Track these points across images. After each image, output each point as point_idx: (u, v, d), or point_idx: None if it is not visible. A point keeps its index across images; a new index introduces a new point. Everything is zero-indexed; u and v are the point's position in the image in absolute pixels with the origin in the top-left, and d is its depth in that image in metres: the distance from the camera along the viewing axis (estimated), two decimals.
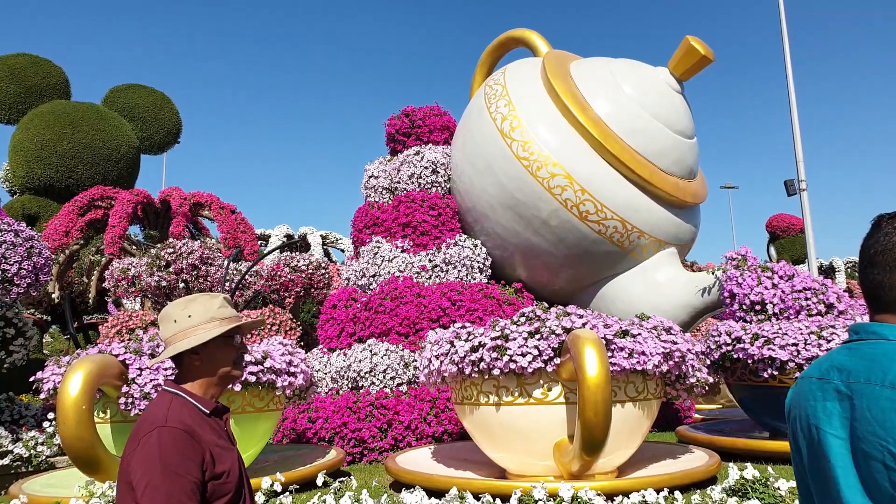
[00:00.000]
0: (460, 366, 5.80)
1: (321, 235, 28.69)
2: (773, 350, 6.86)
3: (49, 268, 7.95)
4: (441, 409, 8.21)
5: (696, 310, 8.79)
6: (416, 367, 8.68)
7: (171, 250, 9.74)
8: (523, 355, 5.51)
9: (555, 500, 4.10)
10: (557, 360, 5.46)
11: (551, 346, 5.47)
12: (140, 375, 5.67)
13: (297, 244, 21.05)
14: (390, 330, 8.89)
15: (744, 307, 7.87)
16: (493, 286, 9.44)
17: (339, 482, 5.17)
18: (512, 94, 9.49)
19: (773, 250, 40.02)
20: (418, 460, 6.87)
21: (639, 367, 5.48)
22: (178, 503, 1.71)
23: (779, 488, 4.11)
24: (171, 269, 9.63)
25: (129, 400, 5.63)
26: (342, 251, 29.41)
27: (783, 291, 7.65)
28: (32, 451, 7.32)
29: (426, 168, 10.10)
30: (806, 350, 6.73)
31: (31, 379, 6.27)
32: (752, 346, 7.00)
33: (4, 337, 8.19)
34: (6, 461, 7.03)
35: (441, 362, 5.96)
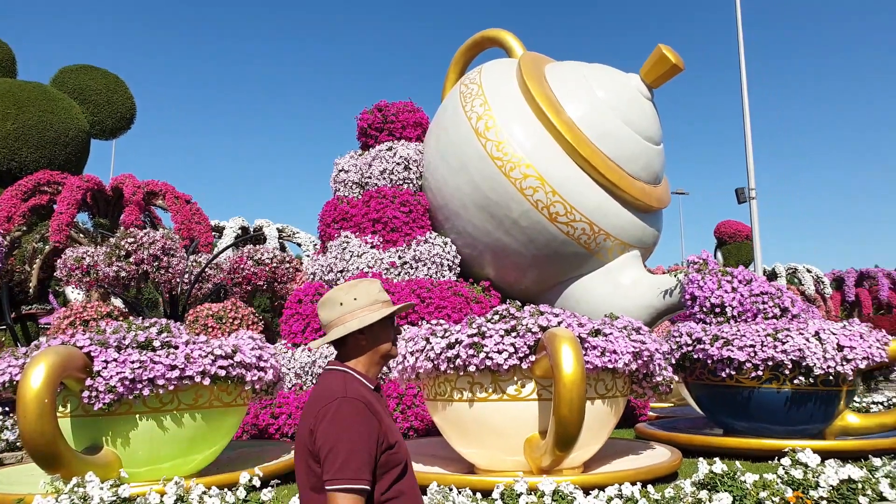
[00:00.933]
0: (436, 362, 5.81)
1: (277, 228, 28.24)
2: (732, 351, 7.09)
3: (3, 254, 7.64)
4: (407, 405, 8.21)
5: (658, 311, 9.00)
6: None
7: (132, 240, 9.45)
8: (499, 352, 5.56)
9: (535, 493, 4.14)
10: (533, 358, 5.53)
11: (527, 343, 5.53)
12: (105, 368, 5.49)
13: (260, 237, 20.69)
14: None
15: (704, 309, 8.09)
16: (462, 284, 9.48)
17: None
18: (487, 94, 9.54)
19: (720, 255, 41.12)
20: None
21: (610, 365, 5.59)
22: (357, 469, 1.83)
23: (745, 481, 4.28)
24: (131, 260, 9.35)
25: (94, 393, 5.45)
26: (298, 245, 28.98)
27: (742, 295, 7.90)
28: None
29: (398, 164, 10.07)
30: (763, 351, 6.98)
31: None
32: (711, 346, 7.21)
33: None
34: None
35: (416, 358, 5.97)
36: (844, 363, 6.88)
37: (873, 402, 11.00)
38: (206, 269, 11.09)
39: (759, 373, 7.03)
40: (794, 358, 6.83)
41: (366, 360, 2.14)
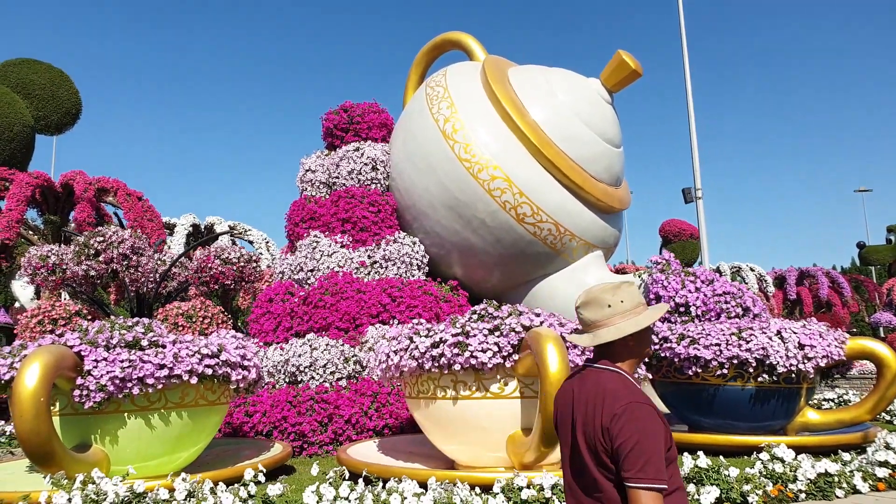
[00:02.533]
0: (420, 361, 6.00)
1: (229, 226, 27.91)
2: (699, 349, 7.47)
3: None
4: (382, 403, 8.38)
5: None
6: (356, 362, 8.81)
7: (101, 239, 9.34)
8: (484, 351, 5.78)
9: (534, 488, 4.39)
10: (516, 357, 5.77)
11: (510, 342, 5.77)
12: (96, 367, 5.54)
13: (235, 234, 20.36)
14: (330, 325, 8.96)
15: (669, 309, 8.49)
16: (431, 283, 9.69)
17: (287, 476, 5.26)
18: (454, 97, 9.78)
19: (665, 253, 42.21)
20: (367, 453, 7.03)
21: None
22: (658, 470, 1.93)
23: (729, 475, 4.60)
24: (100, 259, 9.24)
25: (85, 392, 5.48)
26: (250, 242, 28.69)
27: (705, 295, 8.33)
28: None
29: (366, 165, 10.21)
30: (728, 350, 7.36)
31: None
32: (678, 345, 7.59)
33: None
34: None
35: (400, 357, 6.15)
36: (806, 361, 7.24)
37: (825, 399, 11.53)
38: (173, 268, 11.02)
39: (725, 371, 7.38)
40: (758, 356, 7.19)
41: (633, 361, 2.23)
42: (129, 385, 5.61)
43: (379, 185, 10.39)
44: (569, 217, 9.43)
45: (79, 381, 5.51)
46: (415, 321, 6.45)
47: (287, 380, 8.78)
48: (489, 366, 5.76)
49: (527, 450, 5.63)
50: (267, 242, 27.33)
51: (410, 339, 6.18)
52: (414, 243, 9.96)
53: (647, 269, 9.20)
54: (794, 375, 7.29)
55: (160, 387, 5.77)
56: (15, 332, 9.98)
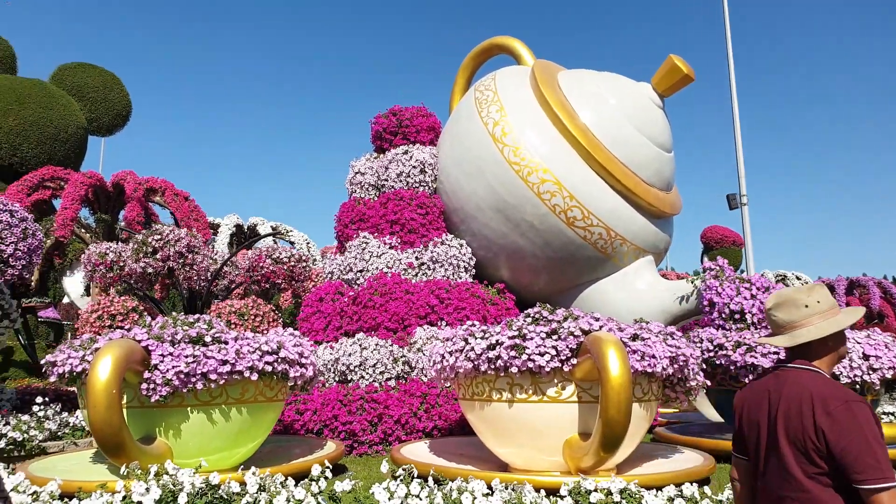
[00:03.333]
0: (476, 363, 6.01)
1: (271, 226, 28.35)
2: (756, 357, 7.35)
3: (41, 250, 7.79)
4: (431, 404, 8.42)
5: (674, 316, 9.29)
6: (404, 363, 8.87)
7: (159, 237, 9.59)
8: (541, 354, 5.77)
9: (601, 492, 4.38)
10: (574, 361, 5.75)
11: (569, 346, 5.75)
12: (162, 362, 5.68)
13: (277, 234, 20.75)
14: (379, 325, 9.04)
15: (723, 316, 8.38)
16: (478, 285, 9.72)
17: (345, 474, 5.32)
18: (503, 100, 9.80)
19: (706, 260, 41.57)
20: (420, 453, 7.06)
21: (649, 370, 5.81)
22: (889, 468, 1.94)
23: None
24: (157, 256, 9.50)
25: (151, 386, 5.63)
26: (291, 243, 29.10)
27: (762, 302, 8.20)
28: (26, 434, 7.18)
29: (415, 167, 10.30)
30: None
31: (42, 362, 6.17)
32: (734, 352, 7.47)
33: None
34: (1, 444, 6.88)
35: (456, 358, 6.17)
36: (871, 372, 7.09)
37: (883, 413, 11.24)
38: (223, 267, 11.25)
39: None
40: None
41: (829, 361, 2.25)
42: (194, 380, 5.74)
43: (427, 187, 10.47)
44: (620, 221, 9.37)
45: (146, 374, 5.66)
46: (469, 323, 6.47)
47: (337, 378, 8.88)
48: (547, 369, 5.75)
49: (585, 454, 5.59)
50: (308, 243, 27.68)
51: (465, 340, 6.20)
52: (461, 245, 10.00)
53: (693, 277, 9.07)
54: (857, 387, 7.12)
55: (222, 382, 5.89)
56: (75, 325, 10.29)
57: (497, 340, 5.94)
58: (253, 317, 10.06)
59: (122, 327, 10.00)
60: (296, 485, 4.33)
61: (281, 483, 4.33)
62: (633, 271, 9.67)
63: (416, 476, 4.63)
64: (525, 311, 6.59)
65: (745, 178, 25.43)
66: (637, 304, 9.40)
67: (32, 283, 20.92)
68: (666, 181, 10.03)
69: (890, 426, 8.09)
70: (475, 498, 3.93)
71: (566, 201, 9.18)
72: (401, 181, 10.29)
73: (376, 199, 10.54)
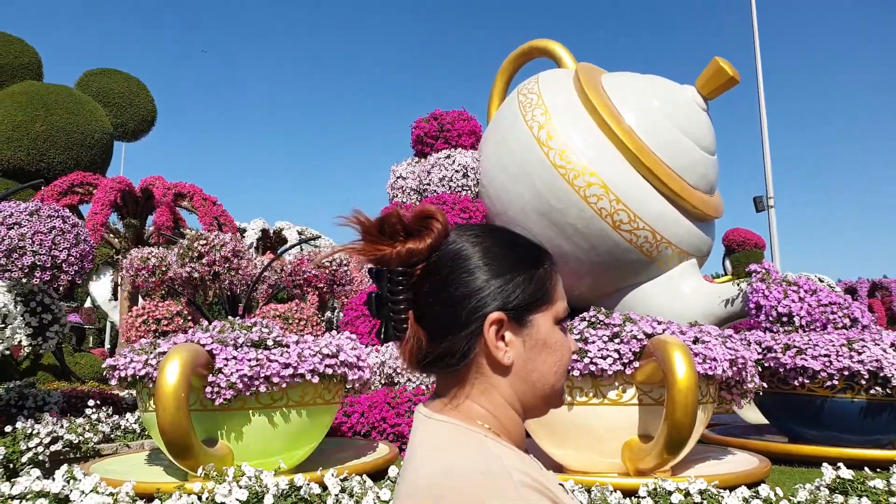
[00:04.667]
0: None
1: (297, 231, 28.50)
2: (806, 360, 7.29)
3: (93, 255, 7.89)
4: None
5: (719, 319, 9.24)
6: None
7: (204, 241, 9.69)
8: (604, 358, 5.77)
9: (680, 492, 4.37)
10: (637, 364, 5.75)
11: (632, 349, 5.75)
12: (227, 365, 5.73)
13: (303, 239, 20.92)
14: None
15: (770, 318, 8.33)
16: None
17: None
18: (548, 104, 9.80)
19: (728, 263, 41.41)
20: None
21: (710, 372, 5.80)
22: None
23: (876, 487, 4.49)
24: (203, 261, 9.59)
25: (216, 389, 5.68)
26: (318, 248, 29.24)
27: (810, 305, 8.14)
28: (81, 437, 7.27)
29: (457, 172, 10.32)
30: (838, 361, 7.18)
31: (104, 365, 6.25)
32: (783, 355, 7.43)
33: (41, 322, 8.05)
34: (58, 446, 6.97)
35: None
36: None
37: None
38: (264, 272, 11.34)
39: (834, 382, 7.20)
40: (870, 368, 7.01)
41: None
42: (257, 383, 5.79)
43: (469, 191, 10.49)
44: (666, 225, 9.34)
45: (210, 378, 5.71)
46: None
47: (383, 381, 8.91)
48: (609, 372, 5.75)
49: (646, 456, 5.59)
50: (330, 245, 27.82)
51: None
52: None
53: (736, 279, 9.03)
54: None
55: (284, 385, 5.94)
56: (118, 330, 10.41)
57: None
58: (297, 321, 10.13)
59: (167, 331, 10.11)
60: (388, 484, 4.34)
61: (360, 483, 4.34)
62: (677, 274, 9.64)
63: None
64: (580, 315, 6.59)
65: (773, 179, 25.23)
66: (681, 307, 9.37)
67: (61, 287, 21.15)
68: (710, 184, 9.99)
69: None
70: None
71: (612, 205, 9.17)
72: (443, 185, 10.31)
73: (418, 203, 10.57)
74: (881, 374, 7.00)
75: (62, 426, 7.36)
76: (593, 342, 5.85)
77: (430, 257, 1.03)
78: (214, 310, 20.26)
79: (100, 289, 27.82)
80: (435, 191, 10.44)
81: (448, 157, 10.59)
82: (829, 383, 7.22)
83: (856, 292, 33.76)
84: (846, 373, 7.13)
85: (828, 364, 7.21)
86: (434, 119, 11.16)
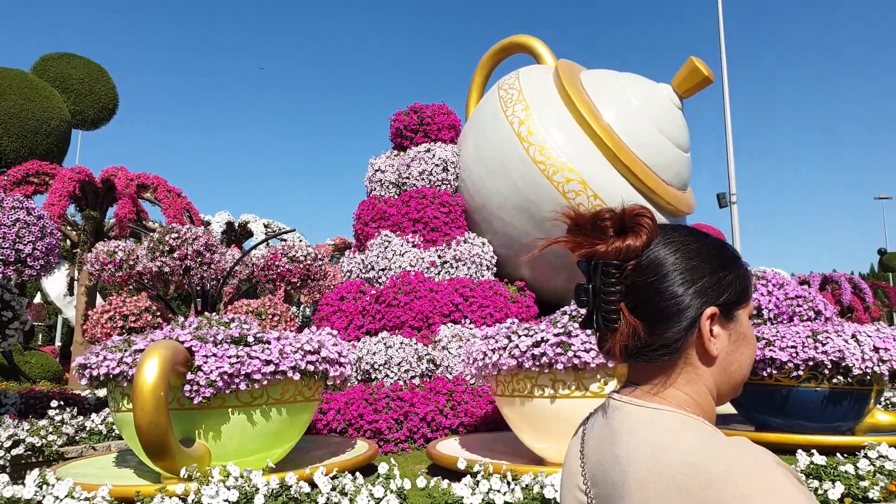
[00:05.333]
0: (520, 360, 6.03)
1: (264, 224, 28.05)
2: (774, 351, 7.48)
3: (58, 249, 7.62)
4: (457, 402, 8.40)
5: None
6: (429, 361, 8.84)
7: (176, 235, 9.42)
8: (587, 351, 5.81)
9: None
10: None
11: None
12: (206, 363, 5.59)
13: (268, 233, 20.57)
14: (403, 324, 9.00)
15: None
16: (500, 284, 9.72)
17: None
18: (529, 99, 9.81)
19: None
20: (454, 449, 7.07)
21: None
22: None
23: (847, 472, 4.63)
24: (175, 255, 9.33)
25: (195, 387, 5.54)
26: (284, 241, 28.78)
27: (778, 298, 8.32)
28: (44, 440, 7.00)
29: (437, 165, 10.26)
30: (804, 352, 7.38)
31: (74, 364, 6.04)
32: None
33: (1, 320, 7.75)
34: (20, 450, 6.71)
35: (499, 356, 6.18)
36: (881, 364, 7.31)
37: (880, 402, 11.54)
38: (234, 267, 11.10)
39: (800, 372, 7.40)
40: (833, 358, 7.23)
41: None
42: (237, 380, 5.66)
43: (449, 185, 10.44)
44: None
45: (189, 376, 5.56)
46: (509, 321, 6.49)
47: (360, 377, 8.82)
48: (592, 365, 5.79)
49: None
50: (301, 242, 27.48)
51: (508, 338, 6.22)
52: (483, 244, 10.00)
53: None
54: (868, 378, 7.34)
55: (265, 383, 5.82)
56: (84, 326, 10.09)
57: (542, 338, 5.97)
58: (270, 316, 9.95)
59: (135, 328, 9.85)
60: (382, 482, 4.28)
61: (351, 480, 4.28)
62: None
63: (492, 473, 4.60)
64: (561, 310, 6.62)
65: (735, 177, 25.72)
66: None
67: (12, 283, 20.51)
68: (683, 181, 10.13)
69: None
70: (556, 491, 3.92)
71: (591, 200, 9.22)
72: (423, 179, 10.24)
73: (397, 196, 10.47)
74: (843, 364, 7.24)
75: (23, 429, 7.09)
76: (576, 335, 5.88)
77: (642, 253, 1.10)
78: (174, 305, 19.84)
79: (53, 284, 26.94)
80: (414, 184, 10.36)
81: (428, 150, 10.51)
82: (795, 373, 7.42)
83: (809, 285, 34.85)
84: (811, 363, 7.35)
85: (794, 355, 7.41)
86: (414, 112, 11.07)
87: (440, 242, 9.98)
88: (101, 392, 10.08)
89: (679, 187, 10.02)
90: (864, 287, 33.26)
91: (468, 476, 4.35)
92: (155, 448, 5.18)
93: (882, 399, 11.55)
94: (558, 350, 5.85)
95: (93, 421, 8.45)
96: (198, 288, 10.05)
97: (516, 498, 4.01)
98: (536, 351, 5.95)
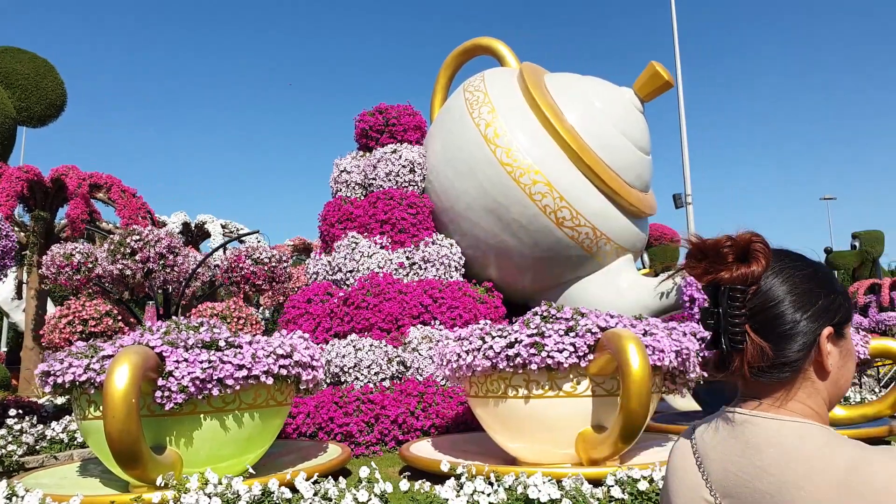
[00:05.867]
0: (494, 360, 6.09)
1: (221, 224, 27.53)
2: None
3: (14, 251, 7.39)
4: (428, 403, 8.42)
5: (654, 312, 9.57)
6: (399, 363, 8.83)
7: (138, 237, 9.19)
8: (560, 351, 5.89)
9: (645, 480, 4.50)
10: (591, 357, 5.89)
11: (587, 343, 5.89)
12: (177, 368, 5.50)
13: (227, 233, 20.19)
14: (372, 326, 8.98)
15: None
16: (468, 285, 9.77)
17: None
18: (494, 102, 9.89)
19: (646, 257, 43.04)
20: (427, 451, 7.09)
21: (658, 363, 6.02)
22: None
23: None
24: (136, 258, 9.09)
25: (166, 393, 5.45)
26: (242, 242, 28.28)
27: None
28: (4, 450, 6.78)
29: (404, 167, 10.25)
30: None
31: (37, 371, 5.86)
32: None
33: None
34: None
35: (473, 357, 6.22)
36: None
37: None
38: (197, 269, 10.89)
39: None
40: None
41: None
42: (210, 386, 5.59)
43: (416, 187, 10.44)
44: (605, 222, 9.61)
45: (160, 382, 5.46)
46: (482, 322, 6.54)
47: (329, 381, 8.77)
48: (565, 365, 5.87)
49: (600, 445, 5.77)
50: (259, 242, 27.05)
51: (482, 339, 6.27)
52: (452, 245, 10.03)
53: (677, 272, 9.39)
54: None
55: (238, 388, 5.75)
56: (40, 332, 9.76)
57: (516, 339, 6.03)
58: (236, 319, 9.80)
59: (95, 332, 9.58)
60: (366, 486, 4.27)
61: (334, 484, 4.26)
62: (614, 269, 9.93)
63: (476, 474, 4.63)
64: (532, 310, 6.70)
65: (690, 178, 26.30)
66: (619, 300, 9.66)
67: None
68: (645, 183, 10.34)
69: (854, 408, 8.65)
70: (540, 491, 3.98)
71: (556, 202, 9.34)
72: (389, 180, 10.22)
73: (363, 198, 10.43)
74: None
75: None
76: (549, 336, 5.96)
77: (761, 278, 1.18)
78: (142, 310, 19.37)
79: (1, 283, 26.01)
80: (381, 186, 10.33)
81: (394, 151, 10.50)
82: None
83: None
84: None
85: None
86: (379, 113, 11.02)
87: (408, 244, 9.98)
88: (60, 400, 9.79)
89: (641, 189, 10.23)
90: None
91: (452, 479, 4.38)
92: (126, 456, 5.07)
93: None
94: (532, 350, 5.92)
95: (53, 430, 8.21)
96: (160, 291, 9.83)
97: (500, 499, 4.06)
98: (510, 352, 6.01)
